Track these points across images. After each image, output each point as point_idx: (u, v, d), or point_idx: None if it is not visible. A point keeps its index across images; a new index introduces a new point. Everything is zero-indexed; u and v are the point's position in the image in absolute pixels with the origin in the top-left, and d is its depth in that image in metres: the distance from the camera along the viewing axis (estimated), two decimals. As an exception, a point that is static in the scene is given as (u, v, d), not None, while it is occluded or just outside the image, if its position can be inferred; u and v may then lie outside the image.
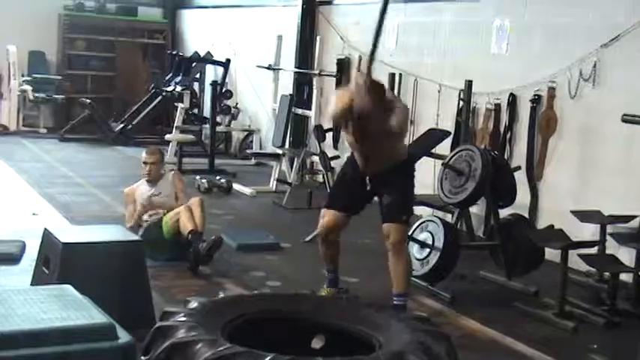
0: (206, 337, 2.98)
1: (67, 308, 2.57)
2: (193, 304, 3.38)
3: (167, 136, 11.64)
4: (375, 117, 4.89)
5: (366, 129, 4.98)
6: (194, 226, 6.12)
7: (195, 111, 13.00)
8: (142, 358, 3.10)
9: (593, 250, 5.95)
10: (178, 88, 12.58)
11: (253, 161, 11.77)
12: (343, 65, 10.13)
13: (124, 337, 2.51)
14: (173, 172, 6.90)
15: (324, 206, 5.44)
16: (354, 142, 5.15)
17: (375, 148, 5.09)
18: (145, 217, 6.41)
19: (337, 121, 5.40)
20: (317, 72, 10.42)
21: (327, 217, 5.35)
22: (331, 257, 5.49)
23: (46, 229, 4.77)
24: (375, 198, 5.27)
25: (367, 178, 5.21)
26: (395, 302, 5.07)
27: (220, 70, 13.06)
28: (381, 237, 5.19)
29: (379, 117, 4.89)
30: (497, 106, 7.82)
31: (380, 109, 4.89)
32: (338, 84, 9.69)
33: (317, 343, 3.51)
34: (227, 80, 12.88)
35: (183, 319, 3.19)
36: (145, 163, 6.61)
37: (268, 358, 2.80)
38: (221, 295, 3.65)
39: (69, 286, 2.81)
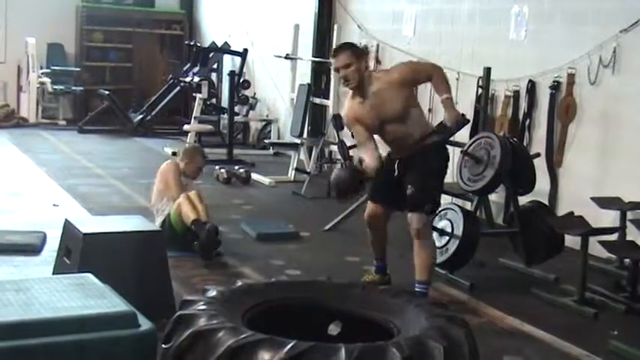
0: (227, 325, 3.00)
1: (88, 296, 2.58)
2: (212, 293, 3.40)
3: (185, 127, 11.67)
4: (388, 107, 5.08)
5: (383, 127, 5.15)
6: (197, 216, 6.14)
7: (214, 101, 13.03)
8: (163, 346, 3.12)
9: (614, 237, 5.92)
10: (196, 79, 12.60)
11: (272, 151, 11.79)
12: (361, 54, 10.10)
13: (145, 324, 2.52)
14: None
15: (367, 197, 5.62)
16: (379, 136, 5.28)
17: (393, 133, 5.18)
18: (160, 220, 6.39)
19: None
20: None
21: (369, 206, 5.52)
22: (377, 244, 5.62)
23: (66, 219, 4.81)
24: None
25: (396, 164, 5.26)
26: (417, 289, 5.09)
27: (238, 60, 13.07)
28: (404, 226, 5.21)
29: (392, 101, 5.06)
30: (516, 93, 7.78)
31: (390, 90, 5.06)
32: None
33: (334, 330, 3.52)
34: (245, 70, 12.90)
35: (204, 307, 3.20)
36: (200, 168, 6.67)
37: (290, 344, 2.81)
38: (239, 283, 3.66)
39: (90, 275, 2.83)
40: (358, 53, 5.17)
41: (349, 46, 5.25)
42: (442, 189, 5.48)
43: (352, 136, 5.36)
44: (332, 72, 10.37)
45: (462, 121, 5.18)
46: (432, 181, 5.22)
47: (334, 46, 5.36)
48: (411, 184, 5.11)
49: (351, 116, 5.22)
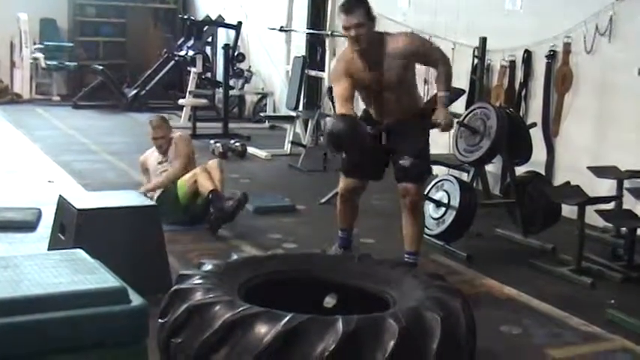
0: (224, 299, 2.99)
1: (79, 272, 2.56)
2: (208, 267, 3.39)
3: (180, 101, 11.62)
4: (385, 68, 4.85)
5: (378, 84, 4.92)
6: (214, 186, 6.11)
7: (208, 75, 12.96)
8: (159, 321, 3.12)
9: (610, 206, 5.91)
10: (190, 53, 12.54)
11: (267, 124, 11.76)
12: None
13: (136, 300, 2.50)
14: (178, 136, 6.57)
15: (342, 172, 5.29)
16: (366, 97, 5.12)
17: (390, 100, 5.00)
18: (158, 192, 6.36)
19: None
20: (329, 32, 10.34)
21: (346, 180, 5.22)
22: (348, 217, 5.34)
23: (61, 195, 4.77)
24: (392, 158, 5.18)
25: (382, 132, 5.10)
26: (407, 260, 5.03)
27: (232, 33, 12.99)
28: (393, 197, 5.13)
29: (390, 64, 4.84)
30: (512, 63, 7.74)
31: (386, 55, 4.83)
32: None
33: (330, 302, 3.52)
34: (239, 43, 12.83)
35: (200, 281, 3.20)
36: (154, 138, 6.44)
37: (287, 317, 2.80)
38: (234, 256, 3.65)
39: (80, 251, 2.80)
40: (372, 13, 4.84)
41: (363, 3, 4.83)
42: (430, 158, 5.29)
43: (330, 91, 5.02)
44: (327, 44, 10.33)
45: (450, 124, 5.00)
46: (426, 148, 5.08)
47: (344, 1, 4.95)
48: (406, 153, 4.94)
49: (344, 69, 4.90)
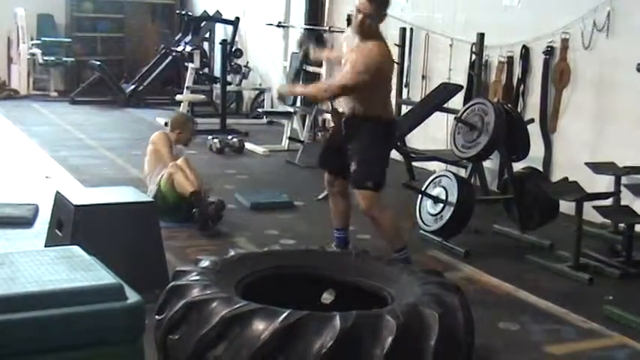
0: (221, 295, 2.98)
1: (75, 269, 2.55)
2: (205, 263, 3.38)
3: (178, 97, 11.60)
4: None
5: None
6: (193, 187, 6.11)
7: (206, 71, 12.95)
8: (157, 317, 3.11)
9: (608, 202, 5.91)
10: (188, 48, 12.53)
11: (265, 120, 11.74)
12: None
13: (132, 297, 2.49)
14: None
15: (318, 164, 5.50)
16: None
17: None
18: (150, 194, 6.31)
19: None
20: (327, 28, 10.32)
21: (325, 174, 5.37)
22: (341, 214, 5.35)
23: (57, 191, 4.75)
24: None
25: (342, 128, 5.09)
26: (396, 258, 4.99)
27: (230, 28, 12.98)
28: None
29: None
30: (510, 59, 7.73)
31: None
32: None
33: (327, 298, 3.52)
34: (237, 39, 12.82)
35: (197, 277, 3.19)
36: (192, 135, 6.63)
37: (285, 314, 2.80)
38: (231, 253, 3.64)
39: (77, 247, 2.79)
40: (379, 11, 4.83)
41: (378, 1, 4.81)
42: (386, 160, 5.13)
43: None
44: (325, 38, 10.32)
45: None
46: (373, 152, 4.93)
47: None
48: (352, 158, 4.92)
49: None
